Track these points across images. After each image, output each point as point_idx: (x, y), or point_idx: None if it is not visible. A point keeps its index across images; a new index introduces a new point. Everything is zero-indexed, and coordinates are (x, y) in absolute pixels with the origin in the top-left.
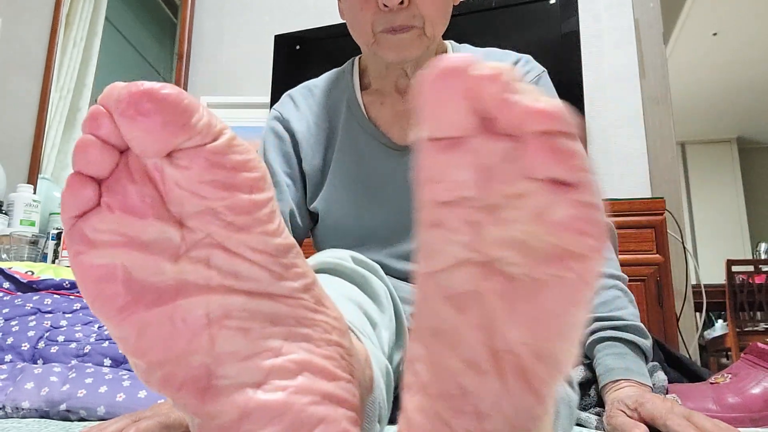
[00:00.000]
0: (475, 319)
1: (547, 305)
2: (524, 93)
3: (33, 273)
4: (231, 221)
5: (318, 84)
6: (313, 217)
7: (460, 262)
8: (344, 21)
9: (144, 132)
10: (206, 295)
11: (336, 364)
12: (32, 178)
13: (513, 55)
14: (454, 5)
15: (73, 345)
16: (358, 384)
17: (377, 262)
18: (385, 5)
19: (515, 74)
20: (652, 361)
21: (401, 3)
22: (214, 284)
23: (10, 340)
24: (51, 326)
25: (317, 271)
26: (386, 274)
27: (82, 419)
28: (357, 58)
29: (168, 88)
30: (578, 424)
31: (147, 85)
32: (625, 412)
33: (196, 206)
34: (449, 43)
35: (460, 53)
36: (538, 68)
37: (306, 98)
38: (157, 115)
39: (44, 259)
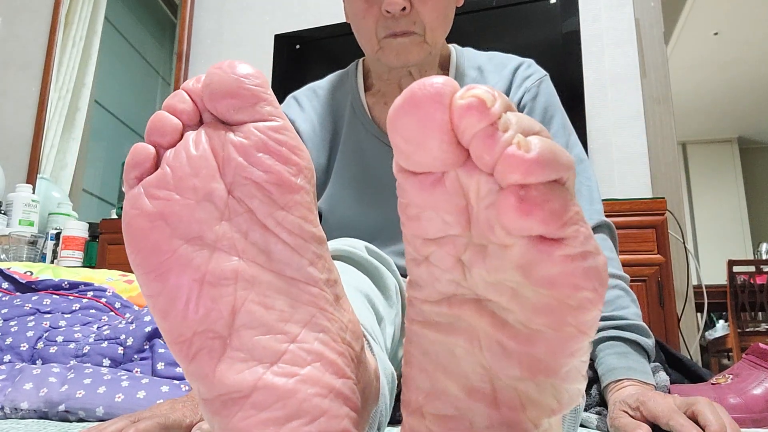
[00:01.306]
0: (467, 348)
1: (542, 352)
2: (508, 129)
3: (32, 273)
4: (275, 199)
5: (322, 85)
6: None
7: (449, 297)
8: (347, 22)
9: (228, 106)
10: (237, 267)
11: (346, 362)
12: (31, 178)
13: (515, 59)
14: (457, 6)
15: (72, 345)
16: (362, 389)
17: None
18: (388, 11)
19: (500, 102)
20: (653, 362)
21: (403, 9)
22: (246, 258)
23: (9, 341)
24: (50, 326)
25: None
26: None
27: (81, 420)
28: (361, 60)
29: (252, 78)
30: (580, 425)
31: (240, 71)
32: (627, 413)
33: (247, 175)
34: (453, 47)
35: (439, 76)
36: (540, 72)
37: (310, 99)
38: (238, 99)
39: (43, 259)
